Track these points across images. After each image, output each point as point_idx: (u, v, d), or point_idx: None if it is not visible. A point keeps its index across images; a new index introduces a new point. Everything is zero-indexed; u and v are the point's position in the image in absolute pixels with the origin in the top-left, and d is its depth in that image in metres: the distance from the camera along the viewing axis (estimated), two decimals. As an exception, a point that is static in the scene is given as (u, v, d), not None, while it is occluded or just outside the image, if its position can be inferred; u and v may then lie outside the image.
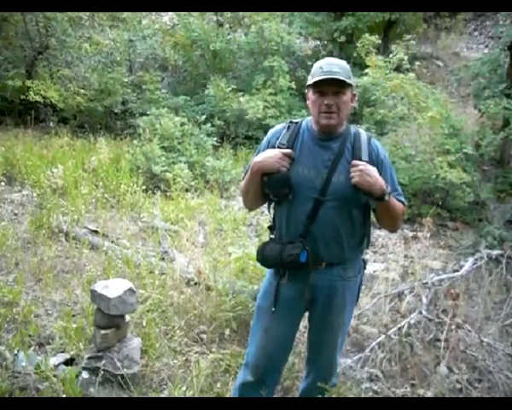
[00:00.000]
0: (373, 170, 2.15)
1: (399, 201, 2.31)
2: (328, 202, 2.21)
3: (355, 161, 2.18)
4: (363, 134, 2.31)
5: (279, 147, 2.27)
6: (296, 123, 2.36)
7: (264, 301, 2.43)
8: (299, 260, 2.21)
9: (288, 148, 2.26)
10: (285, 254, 2.24)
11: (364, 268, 2.48)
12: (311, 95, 2.24)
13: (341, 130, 2.28)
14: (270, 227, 2.43)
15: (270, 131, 2.41)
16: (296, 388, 2.95)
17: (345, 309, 2.39)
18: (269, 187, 2.26)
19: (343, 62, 2.25)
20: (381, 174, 2.18)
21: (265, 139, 2.39)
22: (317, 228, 2.23)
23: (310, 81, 2.22)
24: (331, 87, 2.16)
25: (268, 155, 2.24)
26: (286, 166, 2.21)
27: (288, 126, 2.35)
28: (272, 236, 2.39)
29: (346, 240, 2.27)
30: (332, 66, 2.18)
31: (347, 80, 2.17)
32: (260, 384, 2.46)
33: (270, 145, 2.33)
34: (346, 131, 2.29)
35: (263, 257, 2.34)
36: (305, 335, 2.75)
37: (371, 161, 2.22)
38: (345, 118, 2.27)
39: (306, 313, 2.47)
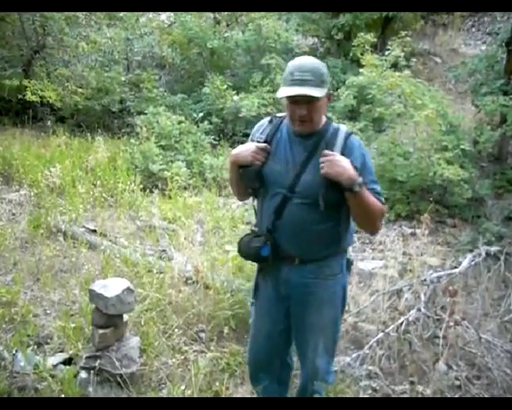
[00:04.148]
0: (343, 160, 2.08)
1: (378, 199, 2.20)
2: (296, 198, 2.19)
3: (325, 151, 2.11)
4: (342, 131, 2.23)
5: (258, 141, 2.28)
6: (279, 117, 2.35)
7: (252, 296, 2.49)
8: (260, 253, 2.24)
9: (265, 142, 2.26)
10: (250, 247, 2.27)
11: (348, 268, 2.40)
12: (284, 98, 2.20)
13: (319, 127, 2.23)
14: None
15: (256, 125, 2.42)
16: (295, 386, 2.94)
17: (323, 309, 2.32)
18: (242, 179, 2.30)
19: (317, 64, 2.16)
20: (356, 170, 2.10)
21: (252, 133, 2.39)
22: (282, 224, 2.23)
23: (281, 89, 2.16)
24: (303, 97, 2.10)
25: (244, 148, 2.26)
26: (260, 160, 2.22)
27: (271, 120, 2.35)
28: (254, 228, 2.40)
29: (317, 238, 2.22)
30: (303, 73, 2.08)
31: (318, 94, 2.08)
32: (254, 379, 2.54)
33: (255, 139, 2.33)
34: (323, 128, 2.24)
35: (238, 249, 2.38)
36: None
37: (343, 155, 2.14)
38: (319, 120, 2.22)
39: None
